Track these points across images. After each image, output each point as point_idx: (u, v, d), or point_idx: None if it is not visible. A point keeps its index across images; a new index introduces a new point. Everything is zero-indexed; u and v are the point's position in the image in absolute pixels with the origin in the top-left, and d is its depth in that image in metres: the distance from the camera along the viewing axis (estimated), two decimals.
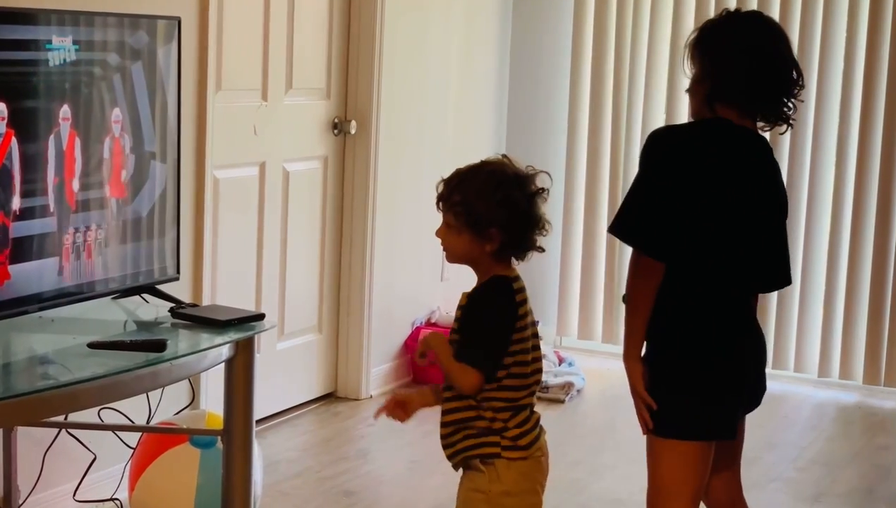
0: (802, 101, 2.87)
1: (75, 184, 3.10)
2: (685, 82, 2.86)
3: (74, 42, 3.06)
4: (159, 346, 2.92)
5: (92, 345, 2.90)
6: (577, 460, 4.54)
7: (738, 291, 2.81)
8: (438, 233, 2.62)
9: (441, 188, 2.61)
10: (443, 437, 2.65)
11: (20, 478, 3.44)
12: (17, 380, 2.76)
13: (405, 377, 5.41)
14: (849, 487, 4.41)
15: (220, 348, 3.11)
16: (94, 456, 3.65)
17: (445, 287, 5.53)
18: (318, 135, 4.93)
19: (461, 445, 2.61)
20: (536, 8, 6.02)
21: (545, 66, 6.06)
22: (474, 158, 2.68)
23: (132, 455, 3.67)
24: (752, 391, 2.86)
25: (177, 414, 3.83)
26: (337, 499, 4.08)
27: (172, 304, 3.35)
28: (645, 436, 2.81)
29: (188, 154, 4.05)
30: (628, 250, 2.84)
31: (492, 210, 2.54)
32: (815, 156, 5.62)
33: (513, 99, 6.07)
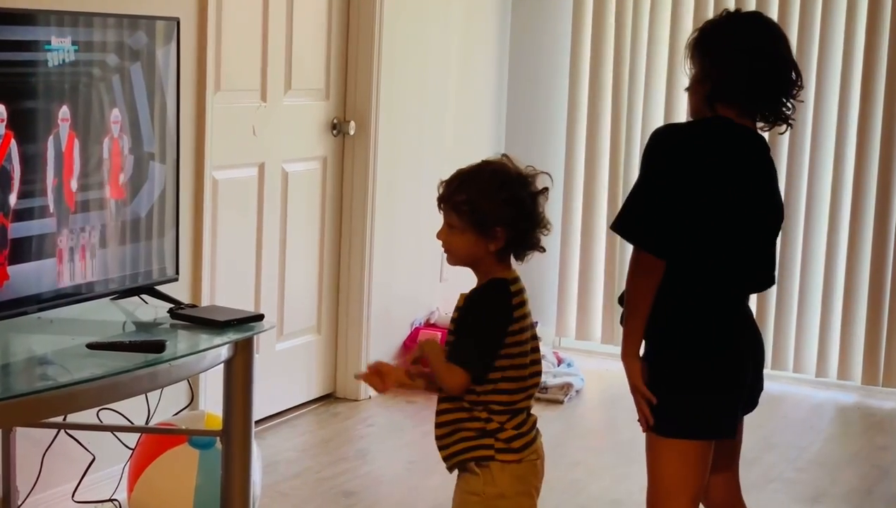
0: (802, 101, 2.88)
1: (74, 185, 3.10)
2: (684, 82, 2.87)
3: (73, 43, 3.06)
4: (158, 347, 2.92)
5: (91, 346, 2.90)
6: (575, 461, 4.54)
7: (736, 290, 2.82)
8: (440, 235, 2.60)
9: (442, 188, 2.60)
10: (437, 438, 2.64)
11: (19, 479, 3.44)
12: (16, 381, 2.76)
13: None
14: (848, 487, 4.41)
15: (219, 349, 3.11)
16: (93, 457, 3.65)
17: (444, 287, 5.53)
18: (317, 135, 4.93)
19: (456, 448, 2.60)
20: (535, 8, 6.03)
21: (544, 66, 6.06)
22: (473, 159, 2.68)
23: (131, 455, 3.66)
24: (750, 391, 2.87)
25: (176, 414, 3.83)
26: (336, 500, 4.08)
27: (171, 305, 3.35)
28: (645, 436, 2.81)
29: (187, 155, 4.05)
30: (627, 251, 2.85)
31: (497, 208, 2.53)
32: (814, 157, 5.62)
33: (512, 99, 6.07)
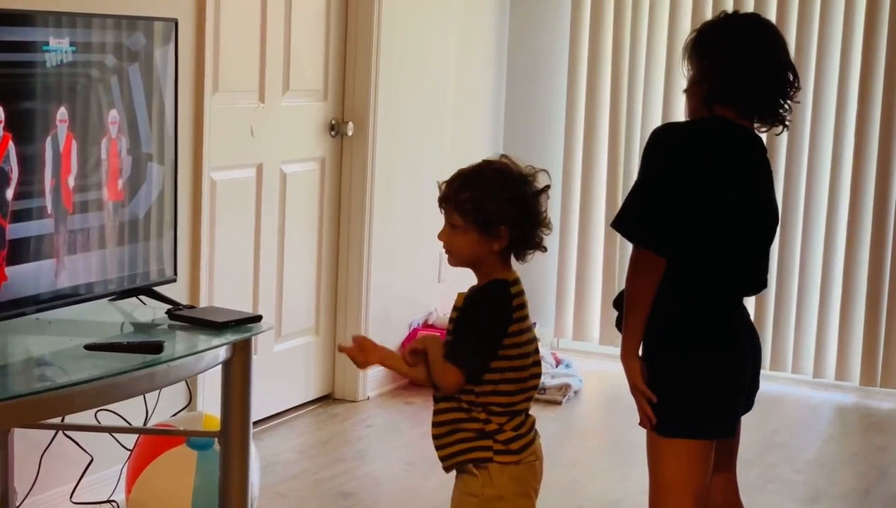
0: (799, 102, 2.89)
1: (72, 186, 3.10)
2: (682, 82, 2.87)
3: (71, 44, 3.06)
4: (156, 348, 2.92)
5: (89, 347, 2.90)
6: (574, 461, 4.54)
7: (735, 291, 2.82)
8: (441, 236, 2.59)
9: (444, 188, 2.58)
10: (435, 437, 2.63)
11: (17, 480, 3.44)
12: (14, 382, 2.76)
13: (402, 379, 5.41)
14: (846, 488, 4.41)
15: (217, 350, 3.11)
16: (91, 458, 3.64)
17: (442, 288, 5.53)
18: (315, 136, 4.93)
19: (454, 448, 2.60)
20: (533, 8, 6.03)
21: (542, 67, 6.06)
22: (471, 160, 2.67)
23: (129, 456, 3.66)
24: (748, 391, 2.87)
25: (174, 415, 3.83)
26: (334, 501, 4.08)
27: (169, 306, 3.35)
28: (646, 436, 2.81)
29: (185, 156, 4.05)
30: (626, 251, 2.85)
31: (501, 207, 2.52)
32: (812, 158, 5.63)
33: (510, 100, 6.07)
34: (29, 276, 2.98)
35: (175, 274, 3.51)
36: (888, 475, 4.58)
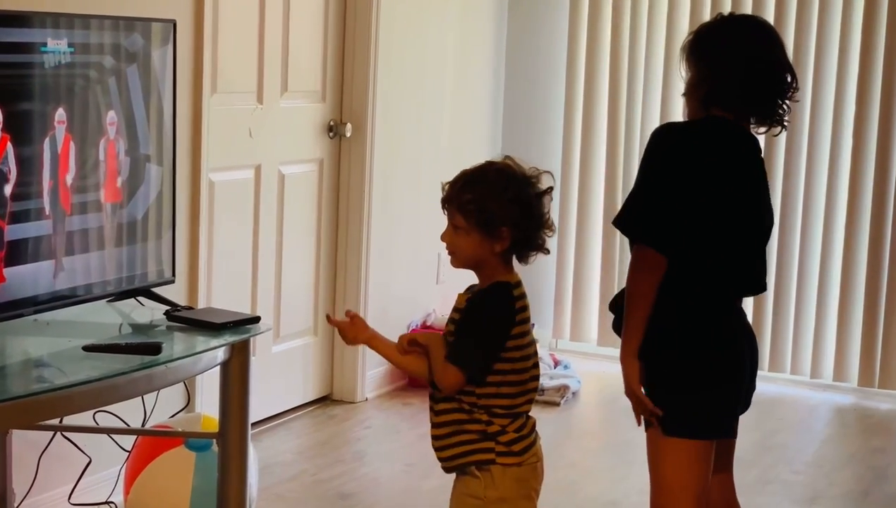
0: (798, 101, 2.89)
1: (70, 187, 3.10)
2: (681, 82, 2.88)
3: (69, 44, 3.06)
4: (154, 349, 2.91)
5: (87, 348, 2.90)
6: (572, 462, 4.54)
7: (734, 292, 2.83)
8: (444, 237, 2.58)
9: (447, 189, 2.58)
10: (436, 438, 2.63)
11: (15, 481, 3.44)
12: (12, 383, 2.76)
13: (401, 379, 5.41)
14: (845, 489, 4.41)
15: (215, 351, 3.11)
16: (89, 459, 3.64)
17: (441, 289, 5.53)
18: (313, 137, 4.93)
19: (456, 450, 2.59)
20: (532, 9, 6.03)
21: (541, 67, 6.06)
22: (470, 161, 2.67)
23: (127, 458, 3.66)
24: (747, 391, 2.87)
25: (172, 416, 3.83)
26: (333, 502, 4.07)
27: (168, 307, 3.35)
28: (646, 438, 2.81)
29: (183, 157, 4.05)
30: (625, 252, 2.85)
31: (503, 208, 2.52)
32: (810, 158, 5.63)
33: (508, 100, 6.07)
34: (27, 277, 2.98)
35: (173, 275, 3.51)
36: (886, 476, 4.58)
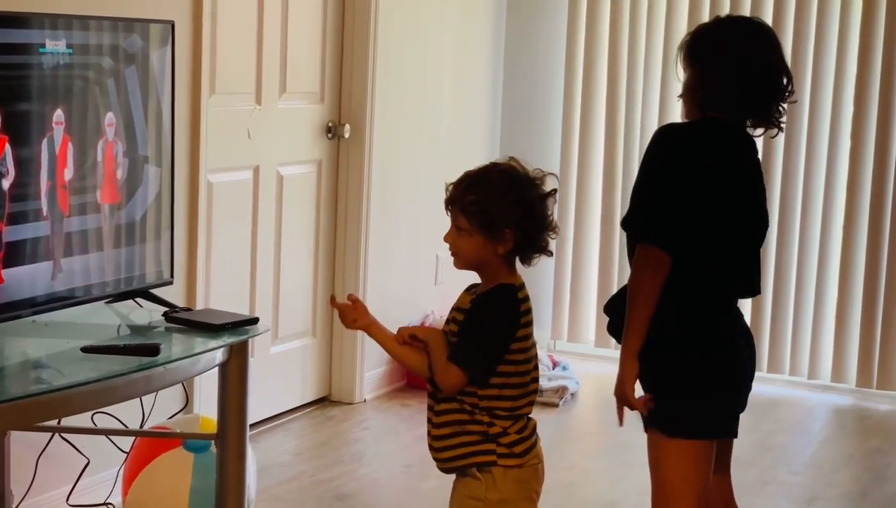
0: (795, 101, 2.89)
1: (68, 188, 3.09)
2: (679, 84, 2.88)
3: (68, 45, 3.06)
4: (153, 350, 2.91)
5: (85, 349, 2.90)
6: (570, 463, 4.54)
7: (731, 293, 2.83)
8: (447, 238, 2.58)
9: (450, 190, 2.57)
10: (436, 439, 2.62)
11: (14, 482, 3.43)
12: (10, 384, 2.75)
13: (399, 380, 5.41)
14: (843, 490, 4.41)
15: (213, 352, 3.10)
16: (87, 461, 3.64)
17: (440, 290, 5.53)
18: (312, 138, 4.93)
19: (457, 452, 2.59)
20: (530, 11, 6.03)
21: (539, 69, 6.06)
22: (469, 161, 2.67)
23: (126, 459, 3.66)
24: (745, 392, 2.88)
25: (170, 418, 3.83)
26: (331, 503, 4.07)
27: (166, 308, 3.35)
28: (647, 440, 2.81)
29: (182, 158, 4.05)
30: (623, 253, 2.85)
31: (506, 209, 2.51)
32: (809, 160, 5.63)
33: (507, 101, 6.07)
34: (25, 279, 2.97)
35: (172, 276, 3.51)
36: (885, 476, 4.58)
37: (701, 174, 2.70)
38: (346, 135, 5.02)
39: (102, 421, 3.58)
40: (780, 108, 2.80)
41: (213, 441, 3.39)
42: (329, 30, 4.94)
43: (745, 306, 5.38)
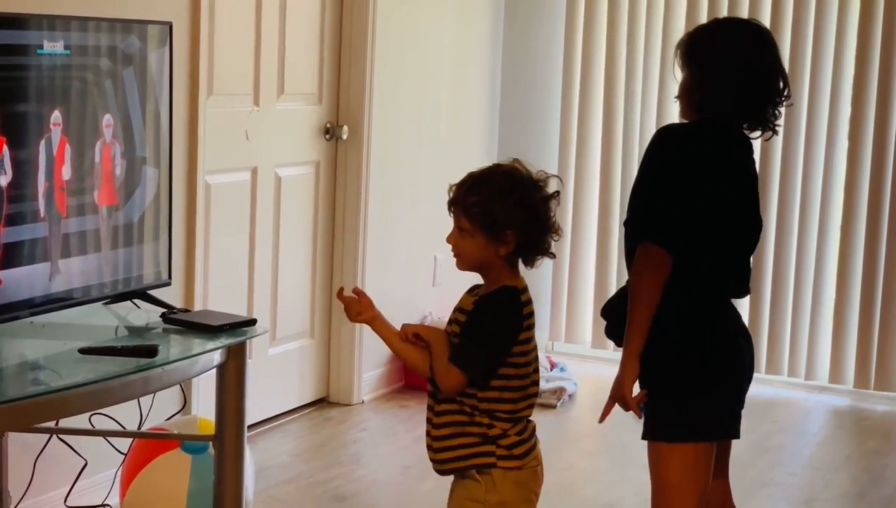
0: (791, 104, 2.90)
1: (66, 190, 3.09)
2: (676, 85, 2.88)
3: (66, 47, 3.06)
4: (151, 352, 2.91)
5: (83, 351, 2.90)
6: (568, 465, 4.54)
7: (728, 293, 2.83)
8: (450, 239, 2.57)
9: (453, 191, 2.57)
10: (435, 439, 2.61)
11: (11, 484, 3.43)
12: (7, 386, 2.75)
13: (397, 382, 5.41)
14: (840, 491, 4.41)
15: (211, 353, 3.10)
16: (85, 462, 3.64)
17: (438, 292, 5.53)
18: (310, 140, 4.93)
19: (456, 453, 2.58)
20: (528, 12, 6.03)
21: (537, 70, 6.06)
22: (467, 163, 2.67)
23: (123, 460, 3.66)
24: (745, 392, 2.89)
25: (168, 419, 3.83)
26: (329, 504, 4.07)
27: (164, 310, 3.35)
28: (647, 444, 2.81)
29: (180, 159, 4.05)
30: (619, 255, 2.85)
31: (507, 211, 2.51)
32: (806, 161, 5.63)
33: (505, 103, 6.07)
34: (23, 280, 2.97)
35: (169, 277, 3.50)
36: (882, 477, 4.59)
37: (700, 174, 2.70)
38: (345, 137, 5.02)
39: (100, 423, 3.57)
40: (776, 112, 2.80)
41: (210, 443, 3.39)
42: (327, 31, 4.94)
43: (743, 307, 5.38)
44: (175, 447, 3.56)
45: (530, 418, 2.63)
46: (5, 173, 2.90)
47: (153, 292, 3.43)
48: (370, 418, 5.03)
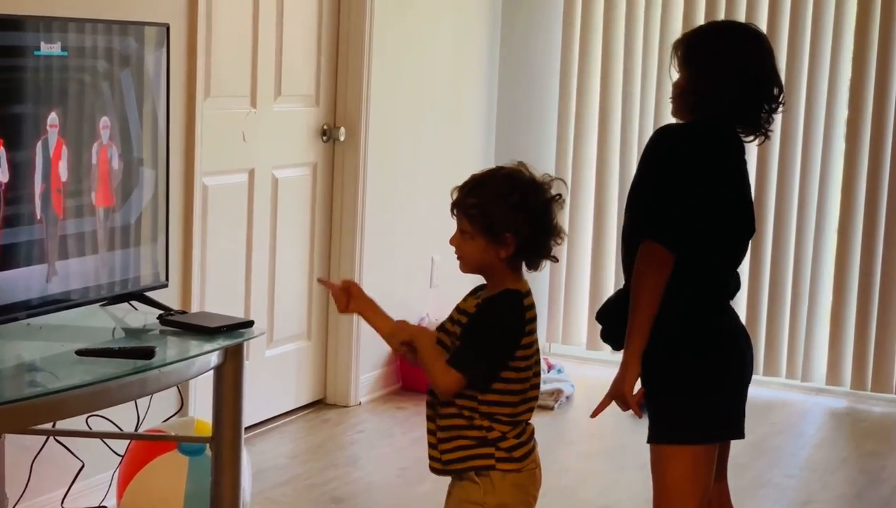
0: (785, 109, 2.90)
1: (63, 191, 3.09)
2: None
3: (63, 48, 3.06)
4: (148, 353, 2.91)
5: (80, 352, 2.90)
6: (565, 467, 4.54)
7: (725, 293, 2.84)
8: (452, 241, 2.57)
9: (455, 194, 2.57)
10: (435, 440, 2.61)
11: (8, 486, 3.43)
12: (5, 388, 2.75)
13: (394, 383, 5.41)
14: (838, 493, 4.42)
15: (208, 355, 3.10)
16: (82, 464, 3.64)
17: (435, 293, 5.53)
18: (307, 141, 4.93)
19: (455, 455, 2.58)
20: (525, 16, 6.03)
21: (534, 72, 6.06)
22: (464, 165, 2.68)
23: (120, 462, 3.66)
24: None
25: (165, 421, 3.82)
26: (326, 506, 4.07)
27: (161, 311, 3.35)
28: (649, 447, 2.81)
29: (177, 161, 4.05)
30: (616, 258, 2.85)
31: (507, 214, 2.50)
32: (804, 163, 5.63)
33: (502, 105, 6.07)
34: (20, 282, 2.97)
35: (166, 279, 3.50)
36: (879, 479, 4.59)
37: (699, 173, 2.71)
38: (342, 138, 5.02)
39: (97, 424, 3.57)
40: (770, 117, 2.81)
41: (207, 445, 3.39)
42: (324, 32, 4.94)
43: (740, 309, 5.39)
44: (172, 448, 3.55)
45: (529, 421, 2.63)
46: (2, 175, 2.90)
47: (150, 294, 3.43)
48: (367, 420, 5.02)
